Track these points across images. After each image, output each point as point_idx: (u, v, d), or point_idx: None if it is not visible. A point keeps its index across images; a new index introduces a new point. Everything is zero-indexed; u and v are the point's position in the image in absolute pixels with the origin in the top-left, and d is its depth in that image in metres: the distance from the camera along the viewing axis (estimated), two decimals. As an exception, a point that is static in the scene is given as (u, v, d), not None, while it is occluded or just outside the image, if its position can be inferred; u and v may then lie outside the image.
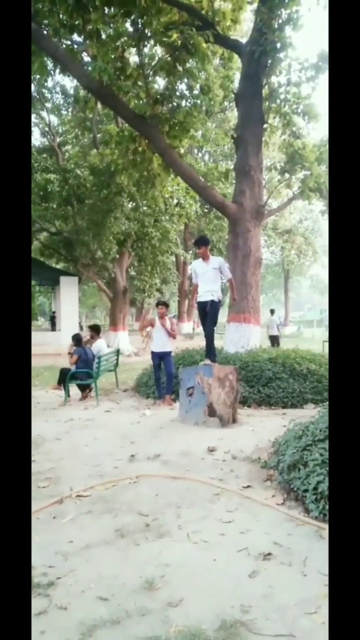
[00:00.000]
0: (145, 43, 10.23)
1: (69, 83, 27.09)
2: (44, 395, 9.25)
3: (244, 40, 10.76)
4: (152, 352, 8.31)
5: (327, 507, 3.36)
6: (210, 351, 7.10)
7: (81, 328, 24.69)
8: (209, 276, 6.93)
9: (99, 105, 17.22)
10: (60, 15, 8.92)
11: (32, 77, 16.92)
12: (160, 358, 8.24)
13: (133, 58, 11.75)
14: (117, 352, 10.47)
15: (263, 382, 7.85)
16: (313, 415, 4.97)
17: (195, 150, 26.56)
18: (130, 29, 9.72)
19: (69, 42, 10.49)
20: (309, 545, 3.06)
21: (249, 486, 4.14)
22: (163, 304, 8.57)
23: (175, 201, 17.89)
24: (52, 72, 12.92)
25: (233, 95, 11.25)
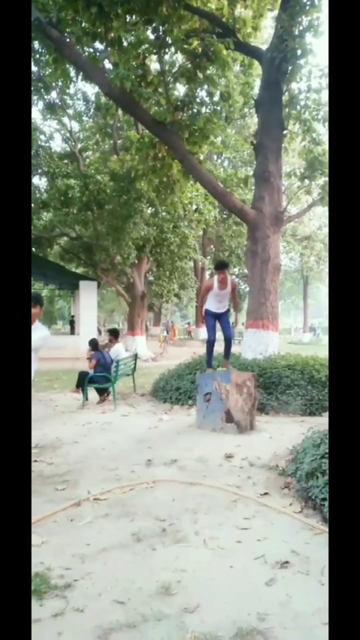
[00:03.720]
0: (166, 50, 10.31)
1: (91, 90, 27.44)
2: (62, 399, 9.33)
3: (264, 47, 10.77)
4: (206, 311, 7.08)
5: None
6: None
7: (99, 332, 24.81)
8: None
9: (120, 112, 17.42)
10: (83, 24, 9.06)
11: (54, 84, 17.20)
12: (215, 318, 7.07)
13: (154, 65, 11.88)
14: (135, 357, 10.52)
15: (281, 389, 7.80)
16: (332, 423, 4.93)
17: (215, 157, 26.63)
18: (152, 37, 9.83)
19: (91, 50, 10.63)
20: (326, 554, 3.02)
21: (266, 493, 4.12)
22: (225, 266, 7.01)
23: (194, 207, 17.92)
24: (74, 79, 13.12)
25: (253, 102, 11.27)
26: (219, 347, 7.52)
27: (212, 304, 7.04)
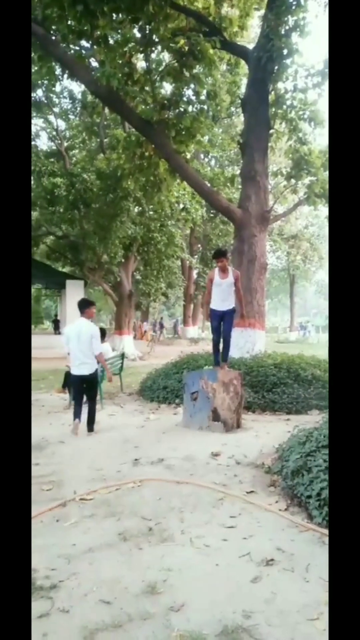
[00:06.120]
0: (153, 49, 10.30)
1: (77, 88, 27.35)
2: (48, 399, 9.28)
3: (250, 47, 10.81)
4: (211, 310, 7.04)
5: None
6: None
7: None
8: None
9: (106, 110, 17.34)
10: (69, 22, 9.00)
11: (40, 82, 17.09)
12: (220, 318, 6.97)
13: (140, 64, 11.82)
14: (122, 356, 10.49)
15: (267, 387, 7.84)
16: (317, 421, 4.97)
17: (202, 156, 26.64)
18: (138, 35, 9.79)
19: (77, 48, 10.56)
20: (311, 552, 3.05)
21: (252, 491, 4.14)
22: (223, 254, 6.91)
23: (181, 206, 17.94)
24: (60, 77, 13.04)
25: (239, 101, 11.30)
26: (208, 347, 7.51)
27: (217, 301, 6.94)
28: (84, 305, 6.65)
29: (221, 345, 7.14)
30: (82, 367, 6.48)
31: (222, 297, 6.90)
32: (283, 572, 2.82)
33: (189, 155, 12.25)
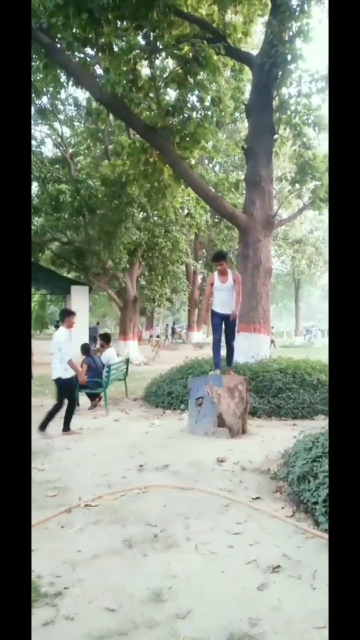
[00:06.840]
0: (157, 55, 10.35)
1: (82, 95, 27.45)
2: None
3: (254, 53, 10.85)
4: (213, 312, 7.00)
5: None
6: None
7: (94, 339, 24.41)
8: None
9: (111, 117, 17.44)
10: (74, 30, 9.08)
11: (45, 89, 17.20)
12: (222, 319, 6.96)
13: (145, 70, 11.89)
14: (127, 361, 10.49)
15: (273, 392, 7.81)
16: (323, 426, 4.94)
17: (206, 161, 26.73)
18: (142, 42, 9.85)
19: (82, 55, 10.65)
20: (318, 558, 3.02)
21: (258, 498, 4.11)
22: (222, 257, 6.99)
23: (186, 211, 17.99)
24: (65, 84, 13.13)
25: (244, 107, 11.32)
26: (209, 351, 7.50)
27: (218, 305, 6.94)
28: (64, 315, 7.11)
29: (224, 351, 7.13)
30: (53, 372, 7.00)
31: (224, 301, 6.92)
32: (289, 579, 2.80)
33: (193, 161, 12.33)
